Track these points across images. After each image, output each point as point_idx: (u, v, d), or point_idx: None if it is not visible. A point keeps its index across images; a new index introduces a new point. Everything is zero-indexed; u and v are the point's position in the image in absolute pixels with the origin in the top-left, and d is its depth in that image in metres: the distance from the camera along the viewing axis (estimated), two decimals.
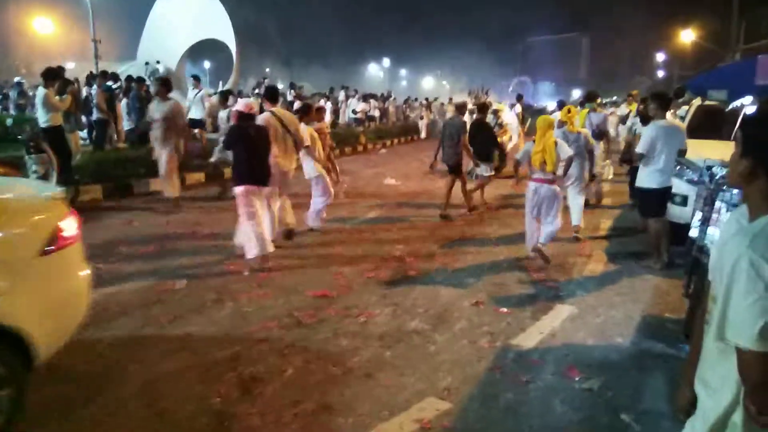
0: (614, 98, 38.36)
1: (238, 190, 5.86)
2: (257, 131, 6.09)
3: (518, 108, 15.21)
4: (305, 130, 7.16)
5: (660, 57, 56.45)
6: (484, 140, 9.14)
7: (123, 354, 3.95)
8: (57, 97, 8.97)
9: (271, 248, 5.90)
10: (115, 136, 13.18)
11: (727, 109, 5.25)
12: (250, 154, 5.95)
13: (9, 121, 12.94)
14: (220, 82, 32.58)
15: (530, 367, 3.82)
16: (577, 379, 3.68)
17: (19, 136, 8.29)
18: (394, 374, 3.67)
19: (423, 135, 24.94)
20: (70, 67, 22.95)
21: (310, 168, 7.42)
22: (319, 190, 7.49)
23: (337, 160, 16.58)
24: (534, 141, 6.07)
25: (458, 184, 8.60)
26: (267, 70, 52.21)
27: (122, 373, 3.67)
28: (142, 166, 10.33)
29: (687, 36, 39.61)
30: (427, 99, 29.85)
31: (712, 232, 3.85)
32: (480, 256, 6.53)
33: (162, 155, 8.54)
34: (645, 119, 11.10)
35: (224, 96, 10.96)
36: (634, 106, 13.62)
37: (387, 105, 26.01)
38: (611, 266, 6.22)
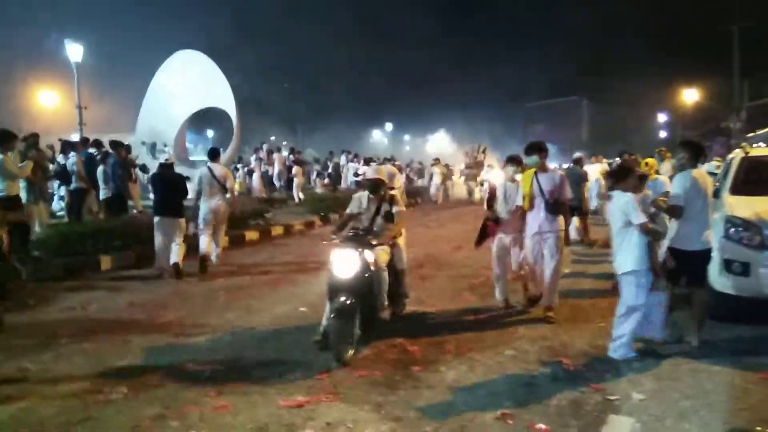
0: (617, 159, 37.76)
1: (155, 219, 8.18)
2: (173, 177, 8.45)
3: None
4: (629, 200, 4.78)
5: (662, 118, 56.42)
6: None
7: None
8: (18, 164, 8.05)
9: (174, 259, 8.14)
10: (95, 206, 12.27)
11: None
12: (164, 194, 8.30)
13: None
14: (221, 149, 32.23)
15: None
16: None
17: None
18: None
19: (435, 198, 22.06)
20: (74, 140, 22.38)
21: (630, 258, 4.79)
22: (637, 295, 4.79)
23: (336, 225, 15.54)
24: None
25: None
26: (272, 138, 52.44)
27: None
28: (116, 239, 9.33)
29: (690, 96, 39.41)
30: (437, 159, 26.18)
31: None
32: (502, 340, 5.32)
33: None
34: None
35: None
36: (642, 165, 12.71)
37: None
38: (665, 355, 4.96)
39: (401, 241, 5.99)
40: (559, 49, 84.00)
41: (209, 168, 8.98)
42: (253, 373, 4.56)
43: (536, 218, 5.97)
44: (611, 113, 71.80)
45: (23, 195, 8.58)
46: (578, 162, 11.47)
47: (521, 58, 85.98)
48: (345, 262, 4.92)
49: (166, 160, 8.67)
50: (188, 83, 25.96)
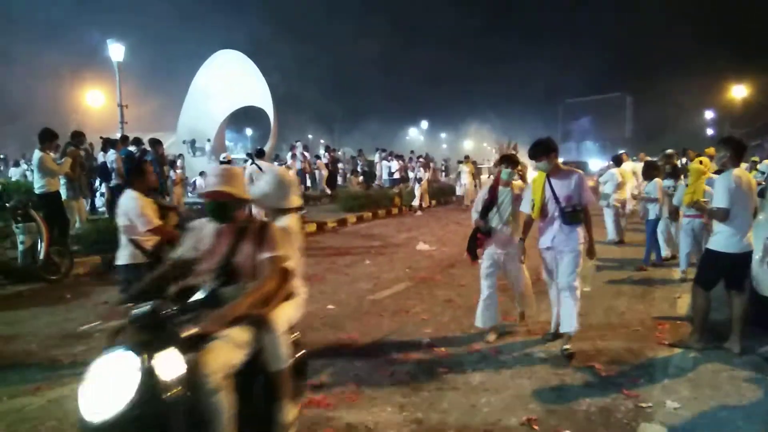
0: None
1: None
2: None
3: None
4: None
5: (709, 115, 54.65)
6: None
7: None
8: (57, 160, 8.29)
9: None
10: None
11: None
12: None
13: None
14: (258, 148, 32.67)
15: None
16: None
17: (6, 204, 7.55)
18: None
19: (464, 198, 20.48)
20: (115, 137, 23.02)
21: None
22: None
23: (369, 222, 15.71)
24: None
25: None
26: (309, 136, 53.04)
27: None
28: None
29: (739, 92, 37.99)
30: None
31: None
32: (532, 342, 5.18)
33: None
34: (675, 174, 8.83)
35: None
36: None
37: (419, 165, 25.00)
38: (703, 360, 4.76)
39: (285, 310, 3.05)
40: (600, 45, 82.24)
41: (257, 165, 10.56)
42: None
43: (550, 230, 4.95)
44: (656, 110, 69.94)
45: (63, 191, 8.84)
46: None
47: (560, 54, 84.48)
48: (106, 386, 2.31)
49: (224, 157, 10.63)
50: (227, 83, 26.40)
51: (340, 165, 25.78)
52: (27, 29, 38.93)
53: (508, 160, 5.48)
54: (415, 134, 67.69)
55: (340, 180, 24.10)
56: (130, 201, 4.54)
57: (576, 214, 4.84)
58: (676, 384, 4.25)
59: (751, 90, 38.00)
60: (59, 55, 38.45)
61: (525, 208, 5.12)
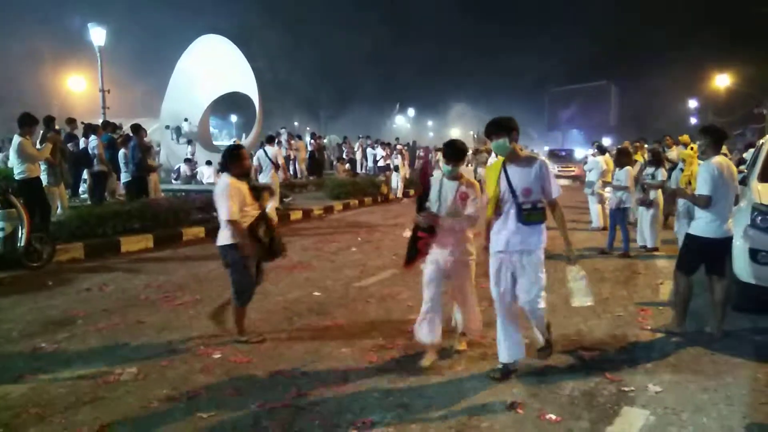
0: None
1: None
2: None
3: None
4: None
5: (692, 104, 55.12)
6: None
7: None
8: (37, 146, 8.16)
9: None
10: (119, 189, 12.44)
11: None
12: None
13: None
14: (243, 135, 32.46)
15: None
16: None
17: None
18: None
19: None
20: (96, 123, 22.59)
21: None
22: None
23: (356, 210, 15.69)
24: None
25: None
26: (296, 123, 52.69)
27: None
28: (135, 221, 9.42)
29: (722, 81, 38.35)
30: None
31: None
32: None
33: None
34: (657, 161, 9.07)
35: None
36: (639, 156, 12.23)
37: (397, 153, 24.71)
38: (684, 344, 4.83)
39: None
40: (586, 34, 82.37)
41: (264, 150, 11.57)
42: (263, 357, 4.54)
43: (503, 230, 4.02)
44: (641, 99, 70.43)
45: (44, 177, 8.70)
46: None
47: (546, 43, 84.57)
48: None
49: (234, 141, 10.03)
50: (211, 68, 26.02)
51: (326, 152, 25.70)
52: (6, 12, 38.01)
53: (450, 152, 4.30)
54: (402, 122, 67.46)
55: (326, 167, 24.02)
56: (220, 185, 4.73)
57: (536, 212, 3.94)
58: (658, 368, 4.31)
59: (734, 79, 38.44)
60: (41, 39, 37.67)
61: (476, 205, 4.28)
